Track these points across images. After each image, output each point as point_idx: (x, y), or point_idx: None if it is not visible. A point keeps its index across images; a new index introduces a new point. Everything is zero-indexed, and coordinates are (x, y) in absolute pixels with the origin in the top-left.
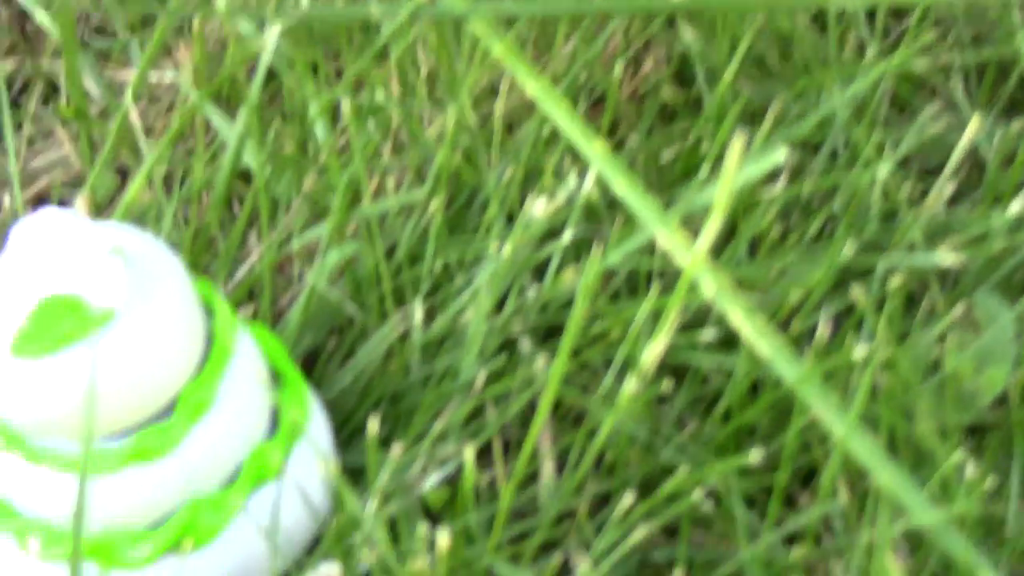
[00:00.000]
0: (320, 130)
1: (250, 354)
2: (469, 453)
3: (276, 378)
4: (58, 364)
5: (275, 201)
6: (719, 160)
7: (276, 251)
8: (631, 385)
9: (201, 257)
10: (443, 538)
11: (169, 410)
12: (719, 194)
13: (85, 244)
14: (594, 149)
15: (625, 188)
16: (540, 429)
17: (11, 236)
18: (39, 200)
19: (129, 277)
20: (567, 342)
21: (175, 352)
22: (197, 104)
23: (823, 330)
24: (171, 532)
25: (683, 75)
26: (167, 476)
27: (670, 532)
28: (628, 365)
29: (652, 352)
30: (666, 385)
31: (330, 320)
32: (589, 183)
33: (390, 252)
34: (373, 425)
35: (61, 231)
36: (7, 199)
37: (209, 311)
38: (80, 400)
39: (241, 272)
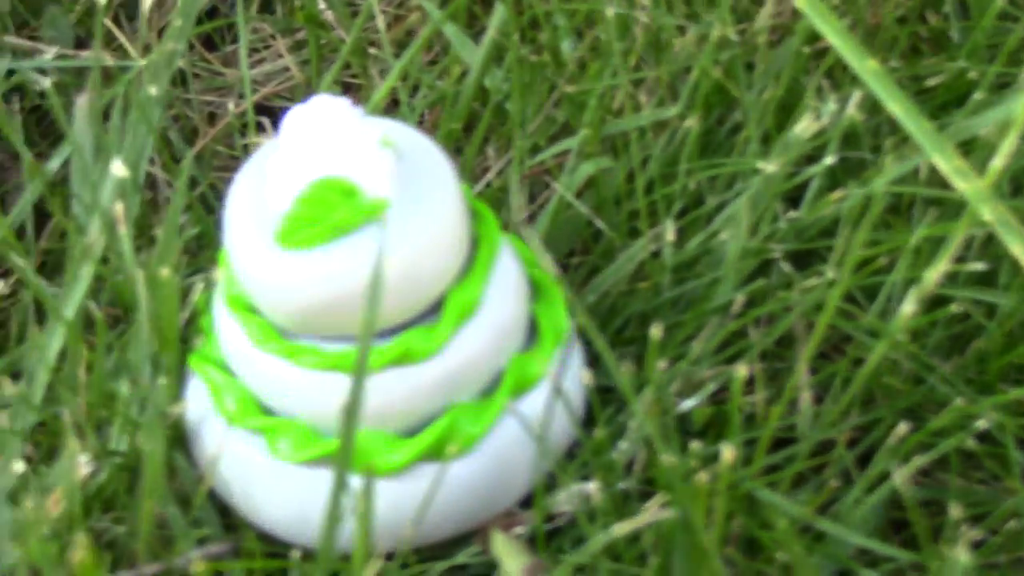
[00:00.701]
0: (566, 43)
1: (512, 260)
2: (741, 371)
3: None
4: (331, 254)
5: (507, 112)
6: (991, 89)
7: (519, 165)
8: (909, 307)
9: None
10: (728, 451)
11: (432, 312)
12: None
13: (356, 134)
14: (867, 68)
15: (902, 110)
16: (812, 353)
17: (284, 122)
18: (260, 110)
19: (399, 169)
20: (848, 266)
21: (444, 249)
22: (440, 21)
23: None
24: (429, 439)
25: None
26: (428, 380)
27: (921, 472)
28: (893, 294)
29: (933, 273)
30: (956, 307)
31: (571, 238)
32: (852, 105)
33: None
34: (656, 332)
35: (333, 120)
36: (231, 105)
37: (473, 214)
38: (349, 294)
39: (478, 188)
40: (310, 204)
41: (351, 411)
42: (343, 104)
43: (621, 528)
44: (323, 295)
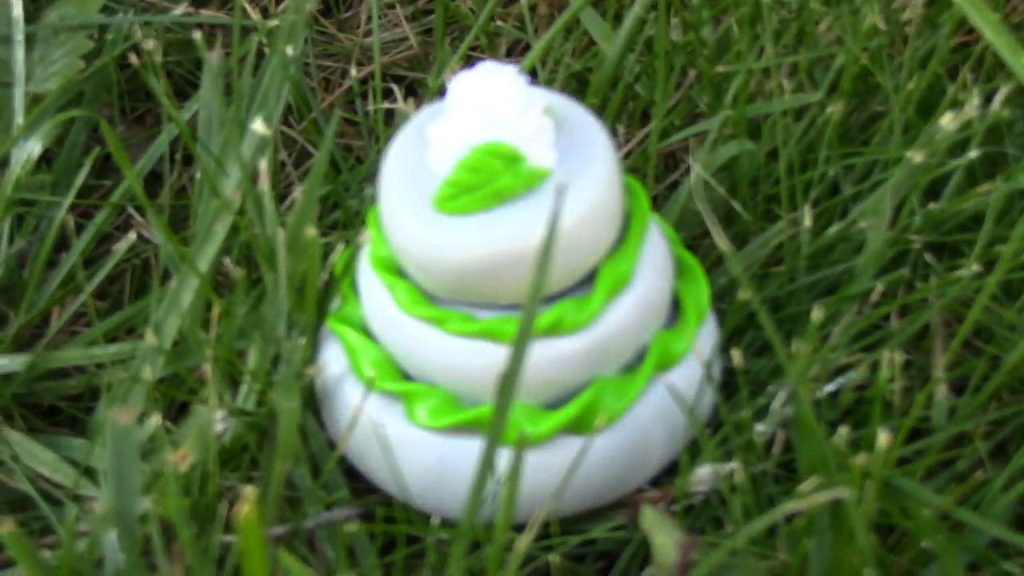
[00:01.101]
0: (707, 27)
1: (660, 237)
2: (896, 358)
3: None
4: (490, 220)
5: (637, 92)
6: None
7: (657, 142)
8: None
9: None
10: (883, 436)
11: (582, 284)
12: None
13: (522, 101)
14: (1022, 63)
15: None
16: (955, 347)
17: (451, 86)
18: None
19: (561, 139)
20: (1006, 259)
21: (602, 220)
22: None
23: None
24: (573, 411)
25: None
26: (577, 352)
27: None
28: None
29: None
30: None
31: (702, 218)
32: (999, 100)
33: (772, 153)
34: (817, 314)
35: (500, 86)
36: (353, 71)
37: (625, 190)
38: (507, 261)
39: None
40: (473, 169)
41: (509, 379)
42: (510, 71)
43: (791, 505)
44: (480, 261)
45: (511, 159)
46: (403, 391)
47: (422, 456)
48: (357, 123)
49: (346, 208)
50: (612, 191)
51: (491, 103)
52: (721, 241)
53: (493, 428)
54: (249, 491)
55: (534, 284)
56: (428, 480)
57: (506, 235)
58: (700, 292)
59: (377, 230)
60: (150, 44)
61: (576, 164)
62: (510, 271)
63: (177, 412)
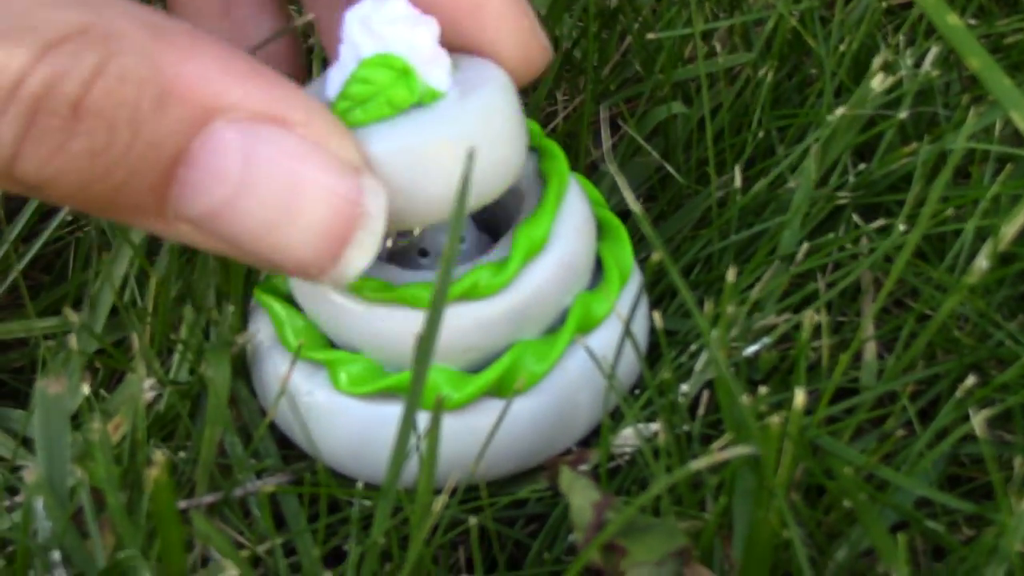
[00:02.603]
0: None
1: (580, 198)
2: (813, 318)
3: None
4: (390, 127)
5: (575, 59)
6: None
7: (593, 107)
8: (982, 262)
9: None
10: (799, 395)
11: (500, 248)
12: None
13: (414, 31)
14: (948, 23)
15: (982, 66)
16: (881, 304)
17: (344, 21)
18: None
19: (455, 68)
20: (924, 218)
21: (496, 152)
22: None
23: None
24: (493, 375)
25: None
26: (495, 315)
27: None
28: (962, 249)
29: (1011, 229)
30: None
31: (640, 183)
32: (928, 61)
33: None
34: (731, 273)
35: (391, 17)
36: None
37: (543, 152)
38: (412, 165)
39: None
40: (364, 80)
41: (425, 342)
42: (402, 3)
43: (698, 464)
44: (384, 169)
45: (402, 71)
46: (327, 359)
47: (347, 423)
48: None
49: None
50: (506, 123)
51: (381, 20)
52: (633, 203)
53: (411, 392)
54: (159, 456)
55: (455, 216)
56: (354, 446)
57: (408, 138)
58: (623, 253)
59: None
60: None
61: (469, 90)
62: (416, 179)
63: (118, 382)
